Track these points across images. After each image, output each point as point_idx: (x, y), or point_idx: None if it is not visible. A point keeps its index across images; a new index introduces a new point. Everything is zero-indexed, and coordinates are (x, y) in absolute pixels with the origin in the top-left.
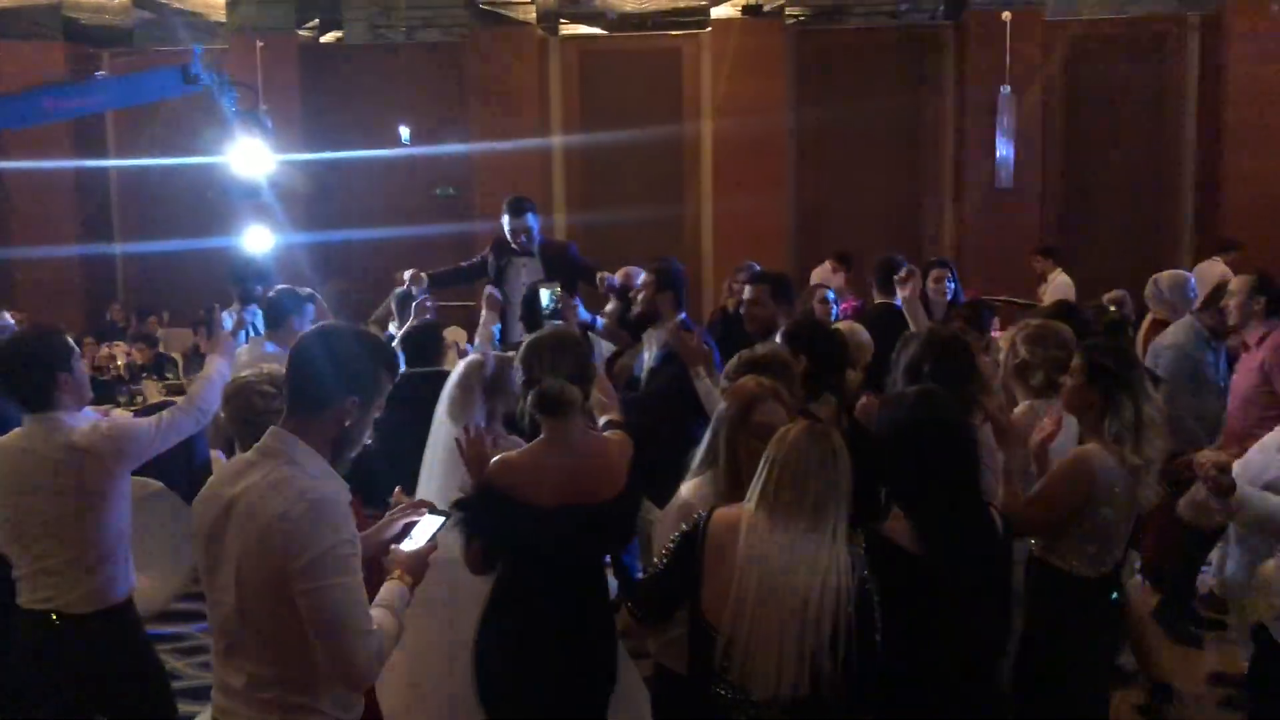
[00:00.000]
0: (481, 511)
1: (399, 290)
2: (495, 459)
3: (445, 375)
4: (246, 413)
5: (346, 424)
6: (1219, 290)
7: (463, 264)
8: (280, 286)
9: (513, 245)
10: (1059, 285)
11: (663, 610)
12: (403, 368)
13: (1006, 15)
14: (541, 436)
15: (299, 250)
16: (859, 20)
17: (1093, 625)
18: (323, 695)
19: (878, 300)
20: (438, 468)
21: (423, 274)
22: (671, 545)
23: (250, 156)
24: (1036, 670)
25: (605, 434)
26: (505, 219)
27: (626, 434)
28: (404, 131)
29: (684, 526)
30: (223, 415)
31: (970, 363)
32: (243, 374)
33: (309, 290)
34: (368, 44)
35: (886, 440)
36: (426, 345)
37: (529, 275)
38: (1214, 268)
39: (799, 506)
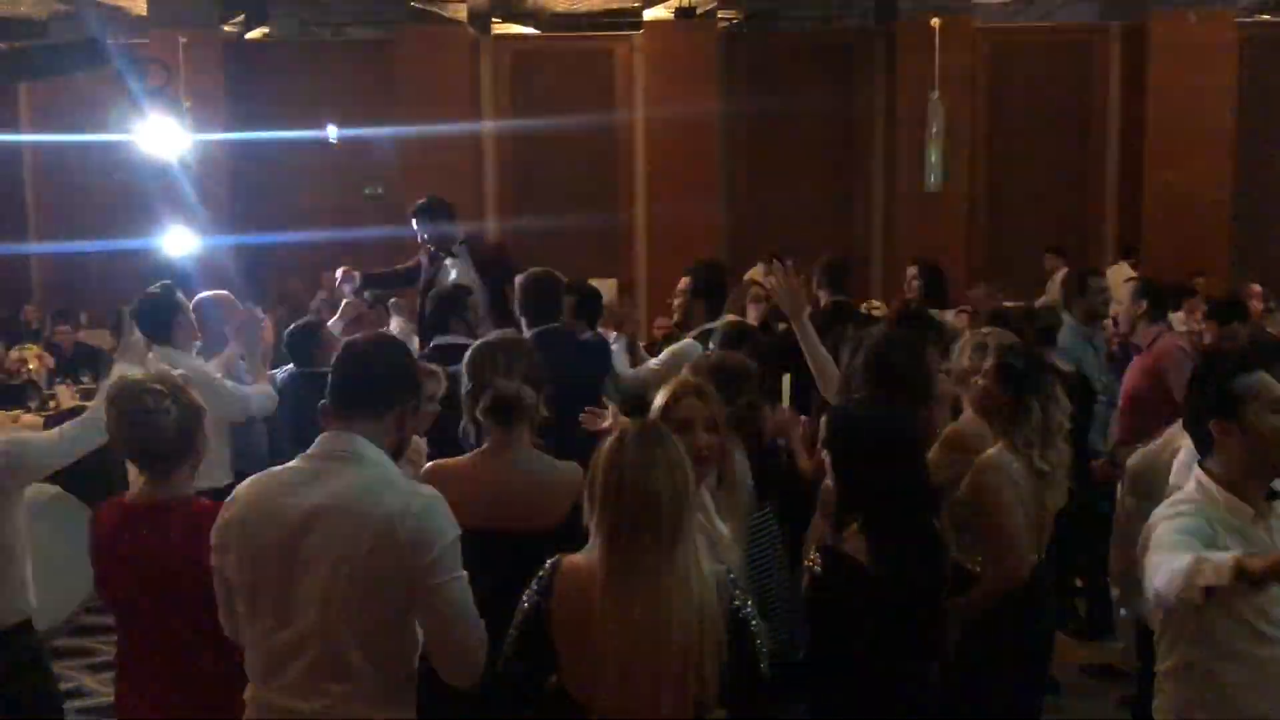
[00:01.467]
0: None
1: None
2: (430, 464)
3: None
4: (136, 413)
5: (406, 427)
6: (1085, 291)
7: (399, 266)
8: (205, 294)
9: (429, 248)
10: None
11: (526, 697)
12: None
13: (935, 21)
14: (484, 446)
15: (224, 252)
16: (790, 25)
17: (1003, 629)
18: (408, 706)
19: (828, 299)
20: None
21: (355, 271)
22: (519, 615)
23: (161, 135)
24: (961, 674)
25: (558, 461)
26: (413, 223)
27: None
28: (331, 130)
29: (531, 589)
30: (108, 415)
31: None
32: (131, 373)
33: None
34: (295, 40)
35: (844, 455)
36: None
37: (461, 274)
38: (1121, 271)
39: (650, 538)
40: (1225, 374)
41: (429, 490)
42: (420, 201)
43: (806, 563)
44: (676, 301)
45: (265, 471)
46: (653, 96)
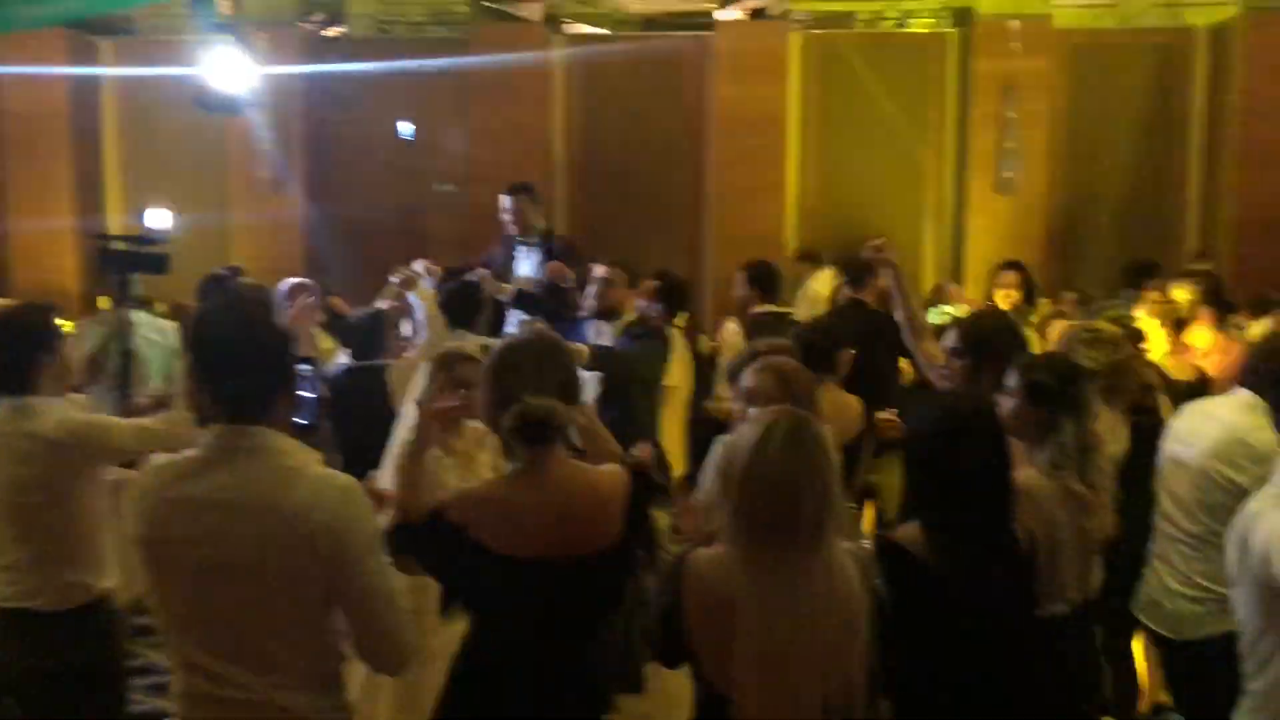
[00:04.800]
0: (430, 546)
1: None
2: (457, 492)
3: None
4: None
5: (289, 409)
6: None
7: (473, 260)
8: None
9: (511, 231)
10: None
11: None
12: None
13: (1015, 24)
14: (515, 468)
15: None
16: (863, 26)
17: (1038, 666)
18: (337, 692)
19: (849, 296)
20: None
21: (435, 266)
22: (653, 609)
23: (229, 68)
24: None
25: (596, 466)
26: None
27: (627, 468)
28: (406, 127)
29: (664, 571)
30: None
31: None
32: None
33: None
34: (371, 37)
35: (912, 445)
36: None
37: (529, 268)
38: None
39: (790, 527)
40: None
41: (344, 479)
42: (517, 182)
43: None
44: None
45: (168, 459)
46: (724, 97)
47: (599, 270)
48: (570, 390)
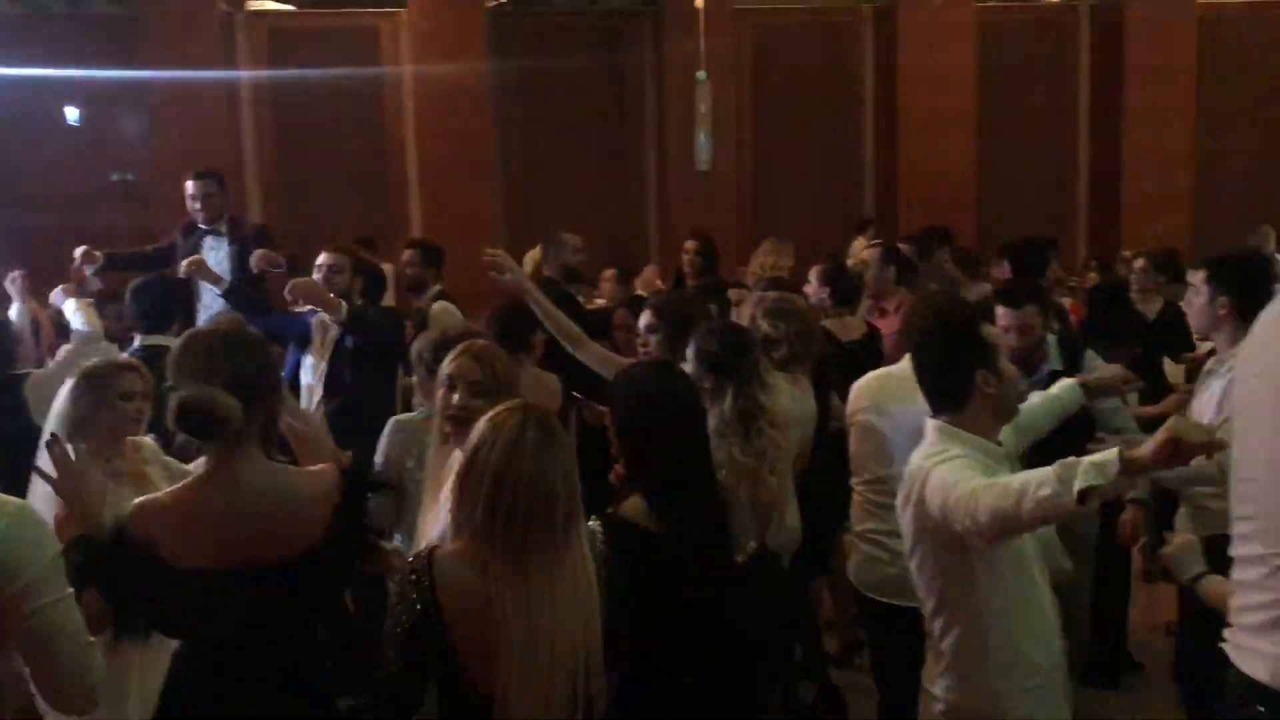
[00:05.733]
0: (103, 565)
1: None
2: (137, 502)
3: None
4: None
5: None
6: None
7: (148, 247)
8: None
9: (195, 220)
10: None
11: (416, 699)
12: None
13: (699, 3)
14: (200, 472)
15: None
16: (560, 4)
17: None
18: None
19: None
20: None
21: (96, 252)
22: (399, 622)
23: None
24: None
25: (304, 467)
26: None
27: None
28: (71, 111)
29: (404, 592)
30: None
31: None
32: None
33: None
34: (22, 14)
35: (622, 416)
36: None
37: (217, 260)
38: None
39: (547, 526)
40: (977, 325)
41: (14, 504)
42: (204, 169)
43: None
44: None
45: None
46: (420, 78)
47: (323, 257)
48: (248, 384)
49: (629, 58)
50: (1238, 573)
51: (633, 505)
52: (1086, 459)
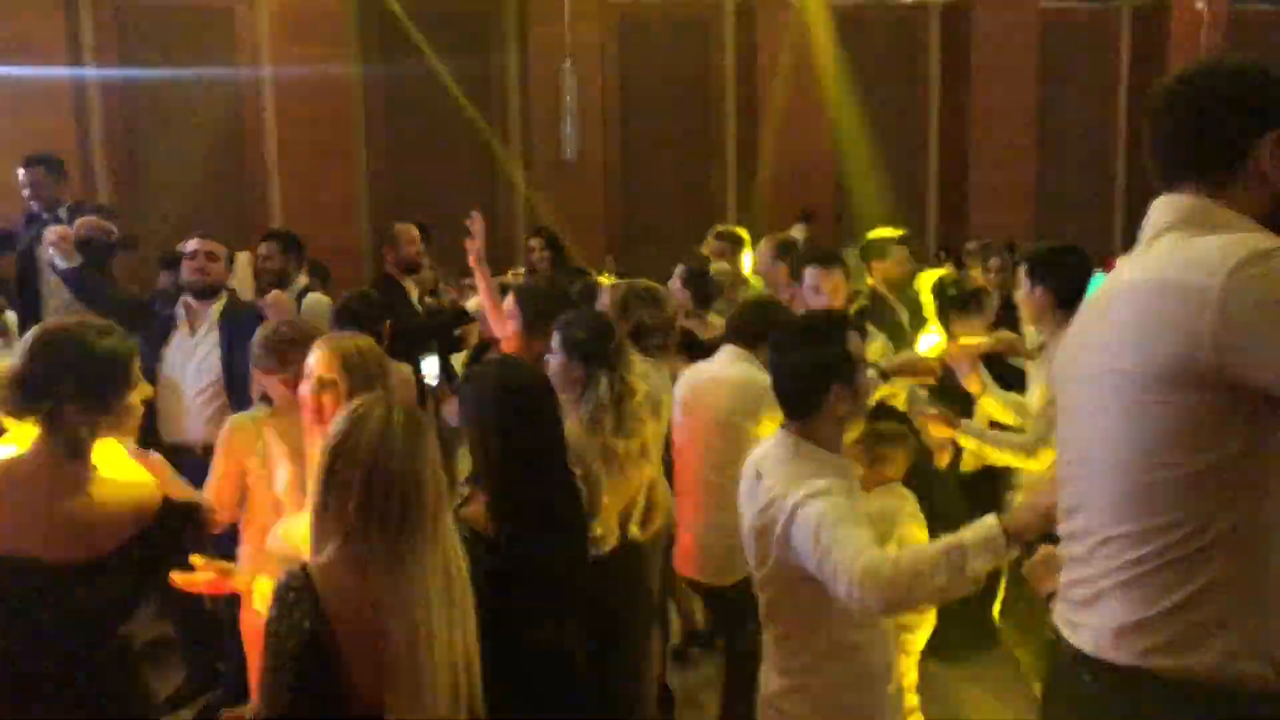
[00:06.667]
0: None
1: None
2: None
3: None
4: None
5: None
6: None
7: None
8: None
9: (33, 208)
10: None
11: None
12: None
13: None
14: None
15: None
16: None
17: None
18: None
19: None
20: None
21: None
22: (284, 646)
23: None
24: None
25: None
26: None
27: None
28: None
29: (284, 613)
30: None
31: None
32: None
33: None
34: None
35: (468, 415)
36: None
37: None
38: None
39: (418, 521)
40: (842, 337)
41: None
42: (34, 154)
43: None
44: None
45: None
46: (281, 62)
47: (192, 244)
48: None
49: (495, 45)
50: (1064, 548)
51: (474, 509)
52: (969, 538)
